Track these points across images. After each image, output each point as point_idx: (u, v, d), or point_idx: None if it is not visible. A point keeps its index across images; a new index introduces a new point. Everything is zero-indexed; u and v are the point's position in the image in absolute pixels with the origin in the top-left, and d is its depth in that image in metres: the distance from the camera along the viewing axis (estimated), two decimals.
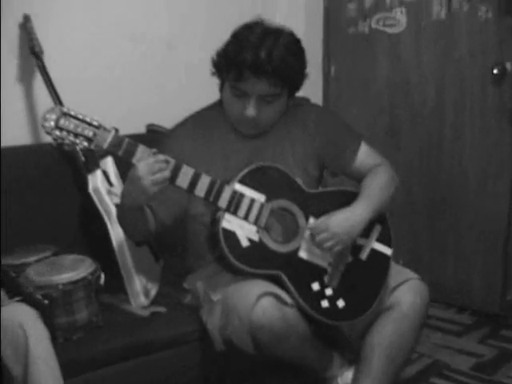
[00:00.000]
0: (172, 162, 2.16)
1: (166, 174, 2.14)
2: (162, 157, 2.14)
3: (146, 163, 2.11)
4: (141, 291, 2.60)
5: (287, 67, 2.27)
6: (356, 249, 2.42)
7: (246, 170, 2.31)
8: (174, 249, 2.70)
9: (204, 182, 2.21)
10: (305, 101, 2.61)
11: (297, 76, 2.37)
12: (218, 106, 2.48)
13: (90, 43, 3.19)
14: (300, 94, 2.50)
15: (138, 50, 3.34)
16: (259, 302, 2.18)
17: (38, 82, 2.99)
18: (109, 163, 2.83)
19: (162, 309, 2.58)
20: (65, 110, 2.11)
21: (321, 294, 2.33)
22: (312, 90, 3.56)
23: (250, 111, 2.31)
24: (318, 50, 3.92)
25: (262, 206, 2.29)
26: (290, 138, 2.50)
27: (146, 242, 2.73)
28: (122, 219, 2.39)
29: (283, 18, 3.56)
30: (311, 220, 2.37)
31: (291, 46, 2.32)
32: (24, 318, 2.08)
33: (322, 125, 2.53)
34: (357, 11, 3.82)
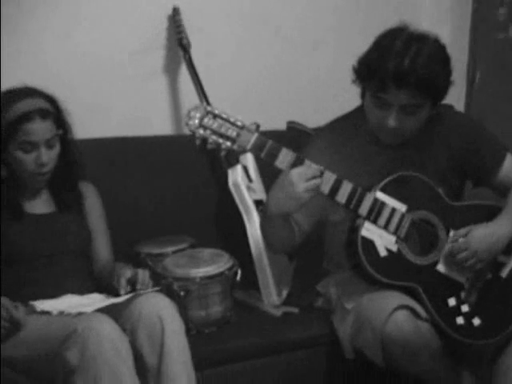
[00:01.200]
0: (316, 167, 2.16)
1: (319, 181, 2.14)
2: (308, 162, 2.14)
3: (299, 171, 2.11)
4: (274, 290, 2.61)
5: (431, 77, 2.18)
6: (496, 266, 2.35)
7: (388, 179, 2.27)
8: (309, 251, 2.69)
9: (346, 188, 2.20)
10: (448, 108, 2.53)
11: (441, 86, 2.27)
12: (360, 112, 2.41)
13: (236, 38, 3.24)
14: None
15: (283, 47, 3.35)
16: (394, 315, 2.15)
17: (183, 75, 3.06)
18: (249, 158, 2.85)
19: (294, 309, 2.59)
20: (209, 108, 2.12)
21: (457, 310, 2.29)
22: (454, 96, 3.47)
23: (392, 122, 2.25)
24: (464, 55, 3.82)
25: (402, 215, 2.25)
26: (432, 147, 2.43)
27: None
28: (266, 229, 2.40)
29: (429, 22, 3.51)
30: (452, 233, 2.32)
31: (436, 54, 2.23)
32: (163, 309, 2.14)
33: (466, 134, 2.44)
34: (507, 15, 3.68)
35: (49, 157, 2.32)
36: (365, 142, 2.40)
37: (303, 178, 2.11)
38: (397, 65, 2.16)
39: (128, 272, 2.28)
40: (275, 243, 2.44)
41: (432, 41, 2.26)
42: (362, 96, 2.37)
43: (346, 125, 2.47)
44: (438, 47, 2.27)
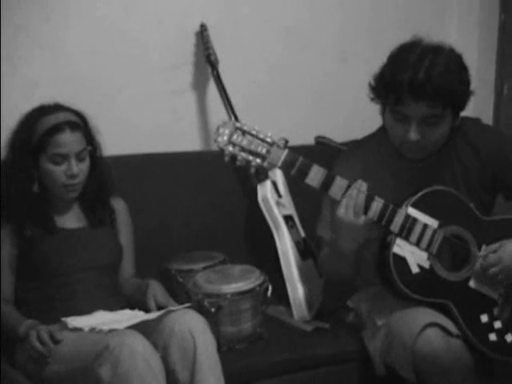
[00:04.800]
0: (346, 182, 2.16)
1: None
2: (339, 179, 2.14)
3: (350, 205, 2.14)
4: (304, 305, 2.61)
5: (448, 86, 2.17)
6: None
7: (419, 194, 2.24)
8: None
9: (377, 205, 2.18)
10: (475, 121, 2.51)
11: (459, 95, 2.24)
12: (383, 130, 2.40)
13: (263, 53, 3.24)
14: (469, 112, 2.42)
15: (312, 62, 3.35)
16: (424, 332, 2.14)
17: (211, 91, 3.07)
18: (278, 174, 2.86)
19: (324, 325, 2.57)
20: (238, 124, 2.10)
21: (489, 327, 2.27)
22: (482, 108, 3.46)
23: (413, 135, 2.22)
24: (491, 68, 3.80)
25: (434, 232, 2.23)
26: (461, 162, 2.40)
27: (312, 257, 2.74)
28: (338, 267, 2.38)
29: (457, 35, 3.50)
30: (483, 248, 2.29)
31: (451, 63, 2.21)
32: (194, 325, 2.15)
33: (496, 147, 2.41)
34: None
35: (79, 169, 2.34)
36: (392, 158, 2.38)
37: (358, 209, 2.14)
38: (412, 77, 2.14)
39: (161, 300, 2.32)
40: (345, 276, 2.43)
41: (447, 51, 2.24)
42: (382, 113, 2.36)
43: (372, 143, 2.45)
44: (454, 57, 2.25)
